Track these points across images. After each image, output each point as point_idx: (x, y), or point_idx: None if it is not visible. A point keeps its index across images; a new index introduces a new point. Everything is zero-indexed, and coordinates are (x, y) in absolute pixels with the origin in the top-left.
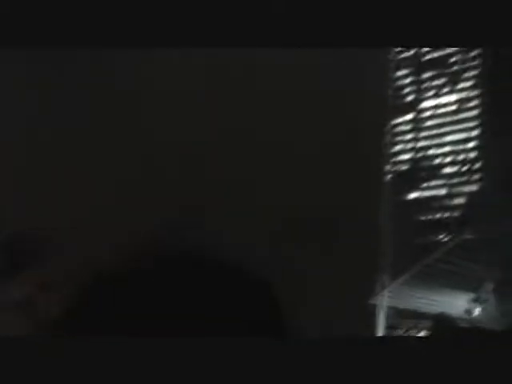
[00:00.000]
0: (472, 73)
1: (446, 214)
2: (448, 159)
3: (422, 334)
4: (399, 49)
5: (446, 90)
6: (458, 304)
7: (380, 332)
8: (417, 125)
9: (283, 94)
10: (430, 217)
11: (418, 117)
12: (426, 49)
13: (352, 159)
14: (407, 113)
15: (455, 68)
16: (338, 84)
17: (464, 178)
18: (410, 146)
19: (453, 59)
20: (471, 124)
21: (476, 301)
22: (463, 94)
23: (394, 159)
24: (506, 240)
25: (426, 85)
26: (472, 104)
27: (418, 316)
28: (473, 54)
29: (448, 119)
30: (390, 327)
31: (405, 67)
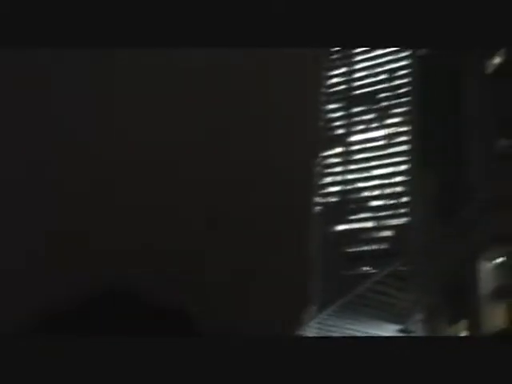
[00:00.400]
0: (400, 109)
1: (374, 246)
2: (376, 192)
3: None
4: (330, 83)
5: (374, 125)
6: (385, 335)
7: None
8: (346, 158)
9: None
10: (358, 248)
11: (348, 150)
12: (356, 84)
13: (282, 190)
14: (337, 146)
15: (384, 104)
16: (267, 115)
17: (391, 211)
18: (339, 178)
19: (382, 95)
20: (399, 159)
21: (403, 331)
22: (391, 130)
23: (323, 191)
24: (435, 271)
25: (355, 119)
26: (400, 139)
27: None
28: (401, 90)
29: (376, 153)
30: None
31: (335, 101)
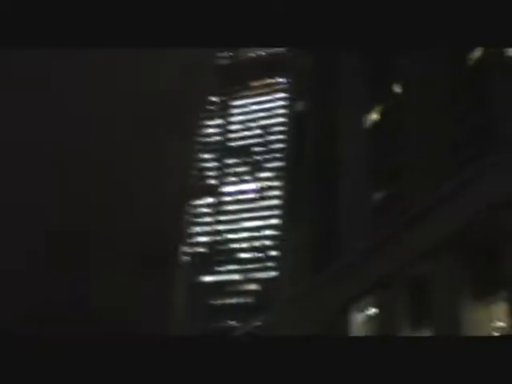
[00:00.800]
0: (273, 164)
1: (240, 300)
2: (245, 245)
3: None
4: (205, 132)
5: (247, 177)
6: None
7: None
8: (217, 208)
9: None
10: (223, 301)
11: (219, 201)
12: (231, 136)
13: (149, 237)
14: (208, 196)
15: (257, 158)
16: (137, 159)
17: (259, 264)
18: (208, 228)
19: (256, 149)
20: (270, 212)
21: None
22: (264, 184)
23: (191, 241)
24: (306, 323)
25: (228, 171)
26: (272, 193)
27: None
28: (275, 145)
29: (247, 206)
30: None
31: (209, 151)
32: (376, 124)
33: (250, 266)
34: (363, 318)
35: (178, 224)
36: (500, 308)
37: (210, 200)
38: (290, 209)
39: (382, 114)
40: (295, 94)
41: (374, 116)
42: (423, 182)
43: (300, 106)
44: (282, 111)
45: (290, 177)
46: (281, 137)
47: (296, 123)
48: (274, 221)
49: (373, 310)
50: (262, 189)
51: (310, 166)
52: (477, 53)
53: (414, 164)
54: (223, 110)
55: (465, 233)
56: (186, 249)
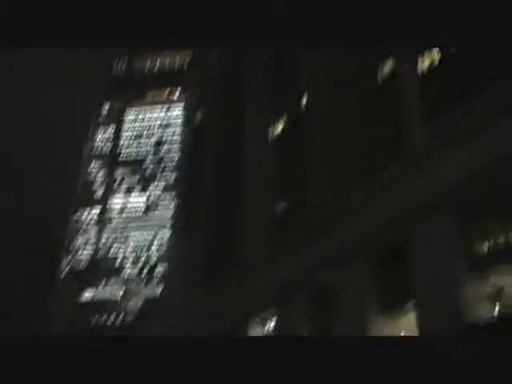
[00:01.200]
0: (166, 175)
1: (126, 315)
2: (130, 259)
3: None
4: (95, 141)
5: (136, 189)
6: None
7: None
8: (102, 221)
9: None
10: (103, 318)
11: (105, 213)
12: (123, 145)
13: (31, 248)
14: (93, 207)
15: (148, 170)
16: (25, 165)
17: (144, 280)
18: (91, 241)
19: (148, 159)
20: (157, 226)
21: None
22: (153, 196)
23: (72, 255)
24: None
25: (117, 182)
26: (161, 206)
27: None
28: (169, 156)
29: (135, 219)
30: None
31: (97, 159)
32: (281, 134)
33: (136, 280)
34: (263, 331)
35: (61, 235)
36: (407, 319)
37: (96, 211)
38: (186, 220)
39: (288, 124)
40: (195, 104)
41: (280, 126)
42: (329, 191)
43: (200, 116)
44: (179, 121)
45: (188, 187)
46: (176, 147)
47: (194, 133)
48: (160, 234)
49: (273, 323)
50: (152, 201)
51: (209, 174)
52: (387, 64)
53: (320, 173)
54: (117, 120)
55: (372, 242)
56: (68, 261)
